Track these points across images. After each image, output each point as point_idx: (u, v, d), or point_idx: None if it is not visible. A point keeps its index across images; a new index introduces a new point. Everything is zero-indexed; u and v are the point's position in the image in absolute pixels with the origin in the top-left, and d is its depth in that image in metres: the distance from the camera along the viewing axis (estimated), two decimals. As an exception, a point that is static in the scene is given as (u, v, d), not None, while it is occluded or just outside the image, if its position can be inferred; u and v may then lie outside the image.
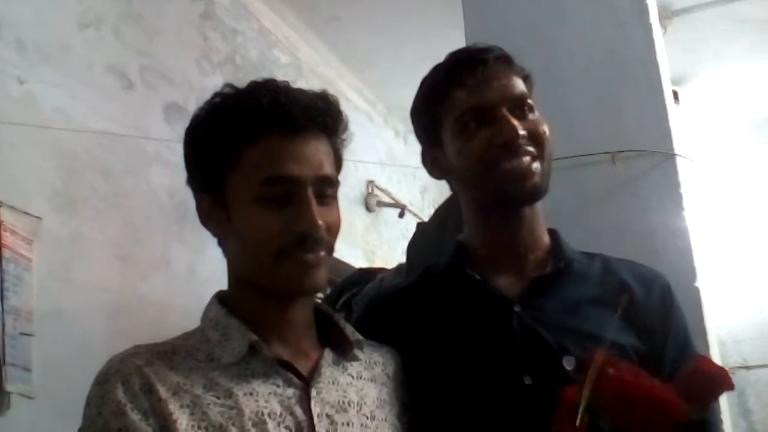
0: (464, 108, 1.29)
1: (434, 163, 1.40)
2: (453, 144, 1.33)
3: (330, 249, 1.17)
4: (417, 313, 1.37)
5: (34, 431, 2.13)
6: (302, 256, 1.12)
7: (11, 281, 2.11)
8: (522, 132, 1.27)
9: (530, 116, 1.31)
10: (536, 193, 1.30)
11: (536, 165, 1.28)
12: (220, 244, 1.23)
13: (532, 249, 1.35)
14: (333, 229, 1.16)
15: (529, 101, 1.32)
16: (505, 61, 1.33)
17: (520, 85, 1.32)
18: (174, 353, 1.12)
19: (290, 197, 1.12)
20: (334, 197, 1.18)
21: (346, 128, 1.22)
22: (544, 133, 1.31)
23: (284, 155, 1.12)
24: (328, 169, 1.16)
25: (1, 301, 2.07)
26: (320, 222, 1.12)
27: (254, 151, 1.12)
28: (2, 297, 2.07)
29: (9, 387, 2.04)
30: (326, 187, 1.16)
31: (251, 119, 1.13)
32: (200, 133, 1.18)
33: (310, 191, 1.12)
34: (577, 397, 1.01)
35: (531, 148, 1.28)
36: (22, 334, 2.11)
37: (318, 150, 1.15)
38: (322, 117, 1.16)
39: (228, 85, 1.19)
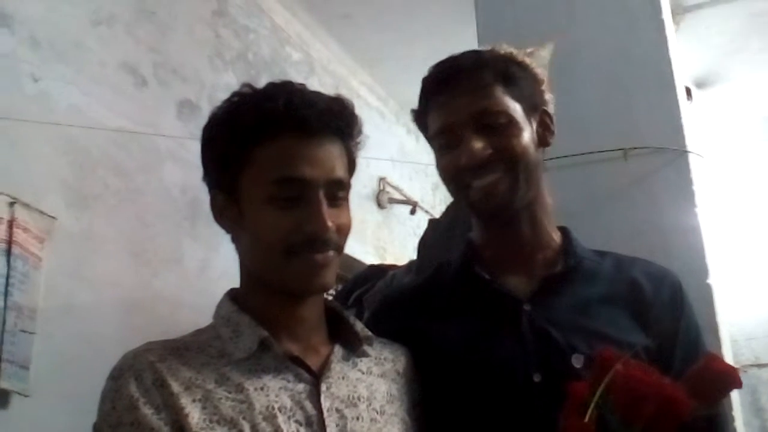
0: (434, 130, 1.33)
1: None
2: (435, 159, 1.37)
3: (340, 250, 1.18)
4: (429, 311, 1.38)
5: (47, 426, 2.15)
6: (311, 256, 1.13)
7: (18, 278, 2.12)
8: (485, 153, 1.27)
9: (501, 128, 1.29)
10: (504, 209, 1.31)
11: (505, 181, 1.28)
12: (233, 241, 1.24)
13: (540, 248, 1.36)
14: (343, 231, 1.18)
15: (500, 113, 1.29)
16: (476, 71, 1.31)
17: (489, 96, 1.30)
18: (186, 349, 1.14)
19: (302, 198, 1.13)
20: (346, 199, 1.20)
21: (360, 132, 1.23)
22: (515, 145, 1.29)
23: (297, 157, 1.13)
24: (340, 172, 1.17)
25: (4, 297, 2.07)
26: (330, 224, 1.13)
27: (268, 152, 1.14)
28: (6, 293, 2.07)
29: (3, 384, 2.05)
30: (338, 190, 1.17)
31: (267, 120, 1.14)
32: (217, 131, 1.20)
33: (321, 193, 1.14)
34: (586, 392, 1.01)
35: (499, 164, 1.28)
36: (22, 331, 2.11)
37: (331, 153, 1.16)
38: (336, 120, 1.18)
39: (246, 84, 1.21)
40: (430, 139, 1.37)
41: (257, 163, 1.14)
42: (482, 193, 1.29)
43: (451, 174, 1.32)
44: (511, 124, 1.30)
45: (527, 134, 1.31)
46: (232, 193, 1.17)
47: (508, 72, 1.33)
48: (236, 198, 1.17)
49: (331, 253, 1.16)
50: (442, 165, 1.34)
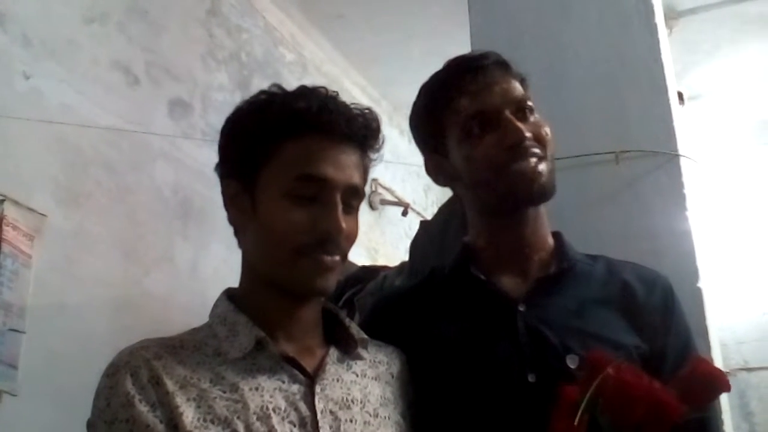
0: (468, 114, 1.32)
1: (439, 170, 1.42)
2: (459, 151, 1.34)
3: (345, 257, 1.20)
4: (423, 313, 1.39)
5: (37, 424, 2.14)
6: (320, 257, 1.15)
7: (7, 276, 2.11)
8: (527, 134, 1.29)
9: (532, 118, 1.33)
10: (545, 193, 1.32)
11: (543, 165, 1.30)
12: (237, 234, 1.25)
13: (537, 250, 1.37)
14: (351, 238, 1.20)
15: (530, 103, 1.34)
16: (502, 65, 1.36)
17: (519, 87, 1.35)
18: (182, 347, 1.14)
19: (319, 198, 1.15)
20: (357, 209, 1.22)
21: (380, 148, 1.26)
22: (547, 134, 1.33)
23: (322, 157, 1.16)
24: (358, 180, 1.20)
25: None
26: (344, 225, 1.15)
27: (294, 148, 1.16)
28: None
29: None
30: (352, 197, 1.19)
31: (298, 118, 1.16)
32: (244, 121, 1.22)
33: (338, 196, 1.16)
34: (576, 395, 1.02)
35: (537, 150, 1.30)
36: (11, 330, 2.11)
37: (352, 160, 1.19)
38: (363, 130, 1.21)
39: (275, 85, 1.23)
40: (454, 128, 1.34)
41: (281, 157, 1.16)
42: (528, 175, 1.28)
43: (491, 158, 1.30)
44: (539, 117, 1.34)
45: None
46: (249, 184, 1.19)
47: (522, 75, 1.38)
48: (252, 189, 1.18)
49: (338, 257, 1.17)
50: (477, 151, 1.31)
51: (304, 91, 1.21)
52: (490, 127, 1.30)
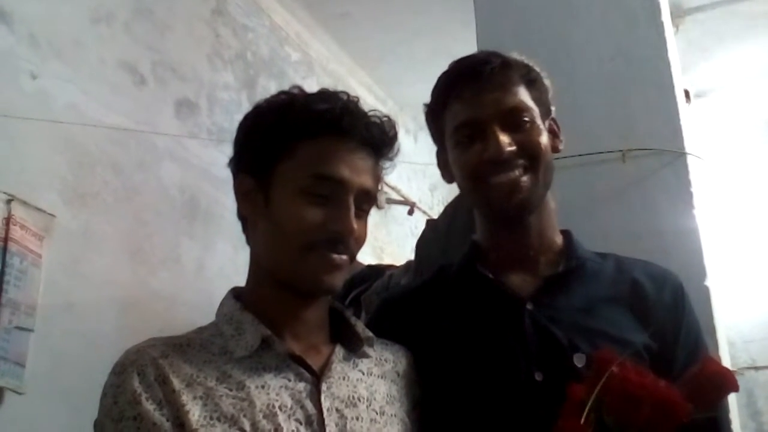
0: (459, 121, 1.33)
1: (444, 166, 1.43)
2: (452, 154, 1.37)
3: (352, 258, 1.21)
4: (430, 311, 1.39)
5: (44, 423, 2.14)
6: (328, 254, 1.16)
7: (14, 275, 2.11)
8: (510, 148, 1.28)
9: (526, 126, 1.31)
10: (524, 207, 1.32)
11: (526, 178, 1.30)
12: (245, 231, 1.26)
13: (543, 250, 1.37)
14: (360, 241, 1.21)
15: (526, 112, 1.32)
16: (504, 70, 1.33)
17: (517, 94, 1.32)
18: (188, 346, 1.15)
19: (332, 198, 1.17)
20: (368, 213, 1.24)
21: (395, 156, 1.28)
22: (539, 144, 1.32)
23: (339, 158, 1.18)
24: (371, 184, 1.22)
25: None
26: (355, 226, 1.17)
27: (312, 147, 1.18)
28: (1, 290, 2.07)
29: None
30: (364, 202, 1.21)
31: (320, 117, 1.18)
32: (265, 118, 1.23)
33: (351, 198, 1.17)
34: (583, 394, 1.02)
35: (522, 161, 1.30)
36: (18, 328, 2.11)
37: (368, 165, 1.21)
38: (380, 138, 1.23)
39: (296, 86, 1.25)
40: (449, 133, 1.36)
41: (298, 155, 1.18)
42: (504, 189, 1.29)
43: (472, 168, 1.31)
44: (534, 125, 1.33)
45: (546, 136, 1.34)
46: (264, 179, 1.20)
47: (530, 75, 1.36)
48: (266, 186, 1.19)
49: (346, 257, 1.19)
50: (463, 159, 1.33)
51: (326, 94, 1.23)
52: (478, 137, 1.30)
